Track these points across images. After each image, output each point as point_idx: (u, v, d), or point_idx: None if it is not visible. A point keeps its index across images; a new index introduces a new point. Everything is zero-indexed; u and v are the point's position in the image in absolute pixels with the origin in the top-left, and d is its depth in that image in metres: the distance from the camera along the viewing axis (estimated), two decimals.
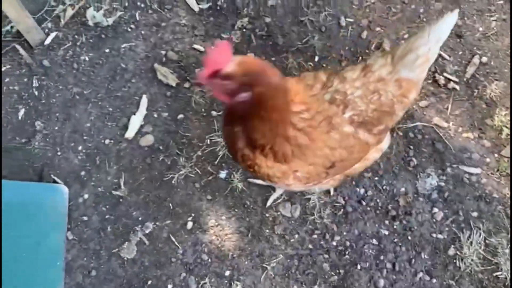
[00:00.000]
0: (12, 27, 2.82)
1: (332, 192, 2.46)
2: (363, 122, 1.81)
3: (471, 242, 2.35)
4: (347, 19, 2.87)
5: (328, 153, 1.78)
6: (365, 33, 2.83)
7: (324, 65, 2.76)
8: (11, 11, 2.57)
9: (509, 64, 2.69)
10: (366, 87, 1.79)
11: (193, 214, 2.44)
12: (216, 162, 2.53)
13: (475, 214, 2.42)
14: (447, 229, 2.40)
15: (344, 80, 1.81)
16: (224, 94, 1.52)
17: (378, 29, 2.84)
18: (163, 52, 2.83)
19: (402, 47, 1.80)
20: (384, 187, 2.50)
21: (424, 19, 2.84)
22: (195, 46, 2.83)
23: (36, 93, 2.72)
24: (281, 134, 1.65)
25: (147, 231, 2.41)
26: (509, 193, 2.43)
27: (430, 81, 2.70)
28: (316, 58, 2.78)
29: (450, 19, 1.78)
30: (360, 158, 1.96)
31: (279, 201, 2.46)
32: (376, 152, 2.07)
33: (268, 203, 2.44)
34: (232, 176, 2.50)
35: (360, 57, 2.77)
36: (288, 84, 1.64)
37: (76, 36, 2.86)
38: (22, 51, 2.79)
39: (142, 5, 2.95)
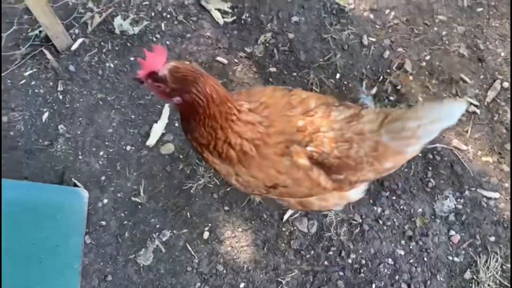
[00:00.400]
0: (40, 31, 2.88)
1: (348, 208, 2.46)
2: (321, 163, 1.74)
3: (487, 267, 2.34)
4: (370, 38, 2.90)
5: (273, 174, 1.74)
6: (387, 53, 2.86)
7: (346, 82, 2.79)
8: (43, 18, 2.63)
9: None
10: (341, 133, 1.72)
11: (210, 224, 2.45)
12: None
13: (492, 238, 2.41)
14: (463, 252, 2.39)
15: (327, 116, 1.76)
16: (161, 94, 1.59)
17: (400, 49, 2.87)
18: (187, 63, 2.87)
19: (396, 113, 1.73)
20: (402, 207, 2.50)
21: (446, 42, 2.87)
22: (218, 58, 2.87)
23: (60, 97, 2.76)
24: (222, 139, 1.67)
25: (164, 239, 2.42)
26: None
27: None
28: (338, 76, 2.81)
29: (452, 108, 1.64)
30: (311, 195, 1.88)
31: (296, 215, 2.47)
32: (339, 198, 1.98)
33: (285, 218, 2.45)
34: None
35: (382, 76, 2.80)
36: (229, 94, 1.65)
37: (102, 43, 2.91)
38: (49, 56, 2.85)
39: (168, 16, 3.00)
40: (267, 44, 2.91)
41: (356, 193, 2.01)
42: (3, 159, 2.56)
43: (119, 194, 2.52)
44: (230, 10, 3.01)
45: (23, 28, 2.90)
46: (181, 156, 2.61)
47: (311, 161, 1.73)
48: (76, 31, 2.94)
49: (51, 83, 2.81)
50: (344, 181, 1.79)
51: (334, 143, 1.71)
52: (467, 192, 2.51)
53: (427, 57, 2.84)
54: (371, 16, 2.96)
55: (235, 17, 2.99)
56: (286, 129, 1.71)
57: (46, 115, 2.71)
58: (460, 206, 2.49)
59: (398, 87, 2.77)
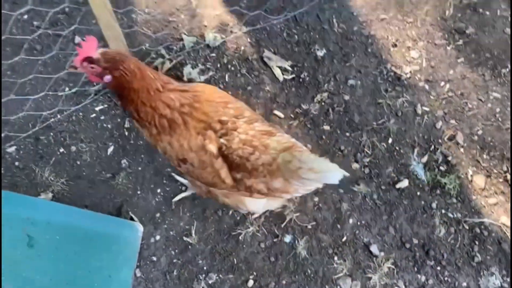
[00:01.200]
0: None
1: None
2: (226, 157, 1.96)
3: None
4: (423, 108, 3.00)
5: (185, 148, 1.97)
6: (440, 123, 2.94)
7: (397, 148, 2.88)
8: None
9: None
10: (252, 139, 1.95)
11: (255, 273, 2.52)
12: (283, 225, 2.63)
13: None
14: None
15: (249, 123, 2.00)
16: (94, 76, 1.89)
17: (452, 121, 2.96)
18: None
19: (301, 149, 1.94)
20: (446, 279, 2.50)
21: (499, 119, 2.94)
22: (276, 112, 3.03)
23: (126, 133, 2.95)
24: (149, 111, 1.92)
25: (210, 282, 2.49)
26: None
27: (501, 180, 2.74)
28: (390, 140, 2.90)
29: (330, 172, 1.84)
30: (214, 183, 2.08)
31: (340, 275, 2.50)
32: (238, 201, 2.21)
33: (175, 199, 2.66)
34: (296, 242, 2.58)
35: (433, 146, 2.87)
36: (154, 72, 1.94)
37: None
38: None
39: (232, 68, 3.21)
40: (323, 103, 3.05)
41: (254, 204, 2.23)
42: (68, 186, 2.74)
43: (171, 232, 2.63)
44: (290, 68, 3.19)
45: None
46: None
47: (219, 152, 1.96)
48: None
49: (118, 119, 3.01)
50: (240, 182, 2.01)
51: (242, 144, 1.94)
52: None
53: (479, 132, 2.91)
54: (426, 86, 3.08)
55: (294, 75, 3.16)
56: (210, 114, 1.98)
57: (111, 149, 2.90)
58: (506, 286, 2.47)
59: (449, 158, 2.84)
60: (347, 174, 1.85)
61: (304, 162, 1.84)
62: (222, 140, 1.97)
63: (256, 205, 2.26)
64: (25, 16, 3.20)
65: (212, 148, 1.97)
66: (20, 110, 2.80)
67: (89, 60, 1.85)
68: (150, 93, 1.92)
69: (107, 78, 1.89)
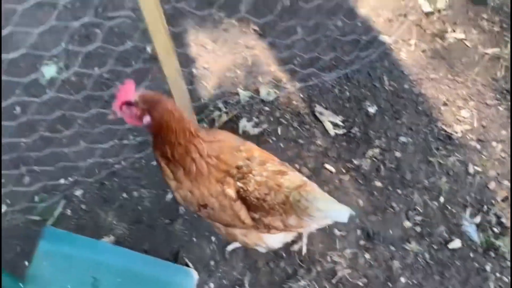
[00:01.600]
0: None
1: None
2: (244, 199, 2.05)
3: None
4: (475, 167, 3.02)
5: (206, 195, 2.07)
6: (493, 184, 2.94)
7: (449, 207, 2.89)
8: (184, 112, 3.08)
9: None
10: (266, 180, 2.02)
11: None
12: (334, 281, 2.67)
13: None
14: None
15: (262, 164, 2.09)
16: (133, 119, 1.98)
17: (506, 182, 2.95)
18: (297, 166, 3.15)
19: (311, 187, 2.01)
20: None
21: None
22: (327, 166, 3.12)
23: None
24: (182, 151, 2.01)
25: None
26: None
27: None
28: (442, 199, 2.92)
29: (338, 211, 1.93)
30: (234, 225, 2.17)
31: None
32: (257, 238, 2.27)
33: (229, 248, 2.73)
34: None
35: (486, 206, 2.87)
36: (186, 116, 2.03)
37: None
38: None
39: (285, 122, 3.35)
40: (374, 159, 3.12)
41: (273, 240, 2.30)
42: (129, 230, 2.90)
43: (224, 281, 2.71)
44: (341, 123, 3.30)
45: None
46: (284, 255, 2.78)
47: (238, 195, 2.06)
48: (205, 125, 3.37)
49: None
50: (259, 221, 2.10)
51: (258, 186, 2.03)
52: None
53: None
54: (478, 146, 3.11)
55: (345, 130, 3.27)
56: (229, 162, 2.07)
57: (169, 196, 3.06)
58: None
59: (503, 220, 2.81)
60: (353, 212, 1.93)
61: (311, 202, 1.92)
62: (239, 184, 2.07)
63: (274, 240, 2.34)
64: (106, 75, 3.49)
65: (231, 192, 2.07)
66: (89, 157, 3.03)
67: (128, 103, 1.94)
68: (186, 135, 2.02)
69: (147, 119, 1.97)
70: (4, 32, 1.89)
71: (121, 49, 2.60)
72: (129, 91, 1.97)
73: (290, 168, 2.23)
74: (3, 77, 2.30)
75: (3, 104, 2.29)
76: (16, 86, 2.75)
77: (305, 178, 2.12)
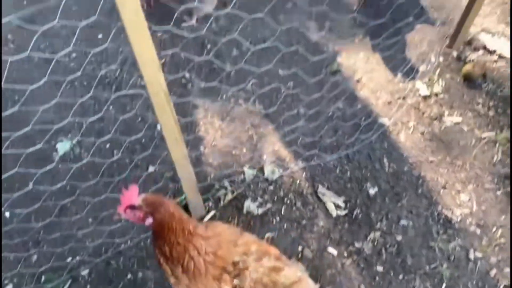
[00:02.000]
0: (183, 199, 3.44)
1: None
2: None
3: None
4: (476, 253, 3.05)
5: None
6: (494, 271, 2.97)
7: None
8: (190, 193, 3.18)
9: None
10: (262, 277, 2.08)
11: None
12: None
13: None
14: None
15: (258, 260, 2.14)
16: (137, 220, 2.11)
17: (507, 270, 2.97)
18: (300, 248, 3.20)
19: (307, 282, 2.14)
20: None
21: None
22: (329, 249, 3.17)
23: None
24: (182, 250, 2.08)
25: None
26: None
27: None
28: (443, 286, 2.94)
29: None
30: None
31: None
32: None
33: None
34: None
35: None
36: (185, 216, 2.12)
37: (229, 219, 3.38)
38: None
39: (288, 202, 3.44)
40: (375, 242, 3.17)
41: None
42: None
43: None
44: (343, 204, 3.38)
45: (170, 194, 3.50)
46: None
47: None
48: (210, 203, 3.46)
49: None
50: None
51: (254, 283, 2.09)
52: None
53: None
54: (478, 231, 3.16)
55: (347, 211, 3.35)
56: (226, 258, 2.13)
57: (173, 280, 3.09)
58: None
59: None
60: None
61: None
62: (235, 281, 2.13)
63: None
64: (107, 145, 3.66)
65: None
66: (98, 238, 3.11)
67: (132, 207, 2.10)
68: (185, 234, 2.11)
69: (149, 221, 2.12)
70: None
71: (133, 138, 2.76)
72: (132, 195, 2.13)
73: (287, 262, 2.30)
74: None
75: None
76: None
77: (300, 274, 2.19)
